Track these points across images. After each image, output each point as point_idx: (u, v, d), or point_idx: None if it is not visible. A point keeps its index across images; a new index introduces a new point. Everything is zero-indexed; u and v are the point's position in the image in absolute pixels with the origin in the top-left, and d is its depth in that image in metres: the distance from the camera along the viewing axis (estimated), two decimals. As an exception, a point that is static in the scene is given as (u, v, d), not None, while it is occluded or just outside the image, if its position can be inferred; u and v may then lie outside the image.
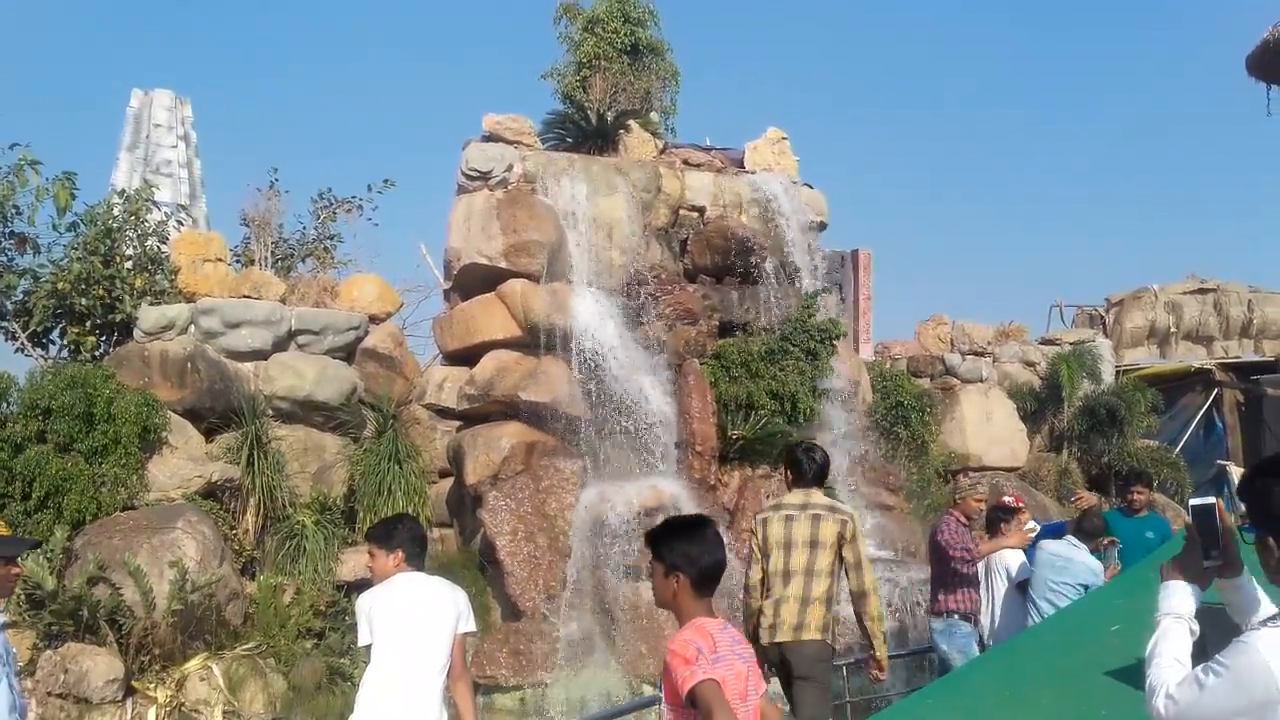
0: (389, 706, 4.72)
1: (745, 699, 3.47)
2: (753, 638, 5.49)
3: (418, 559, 5.02)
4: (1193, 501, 2.97)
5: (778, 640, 5.34)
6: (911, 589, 11.44)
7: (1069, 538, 7.60)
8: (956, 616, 7.70)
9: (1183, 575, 2.78)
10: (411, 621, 4.81)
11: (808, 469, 5.52)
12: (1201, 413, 18.01)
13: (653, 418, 11.68)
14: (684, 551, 3.55)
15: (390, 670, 4.76)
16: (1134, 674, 5.55)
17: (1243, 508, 2.69)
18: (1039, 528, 8.16)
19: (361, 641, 4.91)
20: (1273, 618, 2.54)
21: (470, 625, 4.99)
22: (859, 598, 5.41)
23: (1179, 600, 2.78)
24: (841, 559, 5.40)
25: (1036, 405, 17.47)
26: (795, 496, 5.53)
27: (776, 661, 5.44)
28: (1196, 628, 2.76)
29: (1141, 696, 5.40)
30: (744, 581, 5.89)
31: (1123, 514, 8.67)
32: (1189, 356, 18.99)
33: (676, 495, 11.31)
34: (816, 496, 5.50)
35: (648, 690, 9.97)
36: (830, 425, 13.16)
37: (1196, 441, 17.92)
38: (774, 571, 5.41)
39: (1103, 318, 19.92)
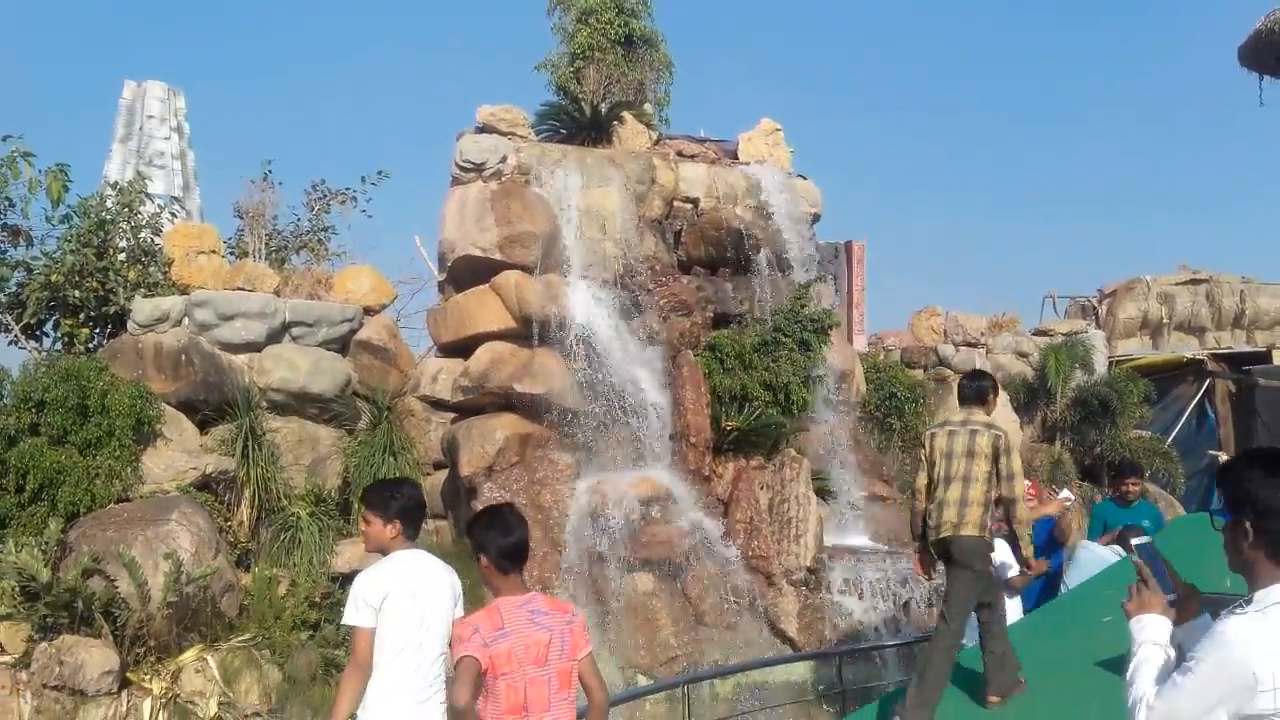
0: (407, 697, 4.50)
1: (544, 665, 3.87)
2: (920, 535, 6.40)
3: (414, 530, 4.78)
4: (1134, 542, 3.14)
5: (941, 536, 6.11)
6: (906, 580, 11.49)
7: (1114, 546, 7.76)
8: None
9: (1149, 611, 2.87)
10: (420, 606, 4.59)
11: (968, 393, 6.38)
12: (1194, 403, 18.06)
13: (647, 409, 11.71)
14: (486, 536, 3.98)
15: (406, 659, 4.55)
16: (1125, 664, 5.61)
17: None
18: (1072, 497, 8.37)
19: (359, 622, 4.57)
20: (1241, 604, 2.60)
21: (461, 610, 4.78)
22: (1008, 503, 6.12)
23: (1153, 630, 2.84)
24: (997, 469, 6.13)
25: (1029, 396, 17.53)
26: (958, 415, 6.36)
27: (942, 554, 6.22)
28: (1173, 653, 2.81)
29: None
30: (912, 486, 6.81)
31: (1116, 505, 8.80)
32: (1181, 347, 19.03)
33: (671, 486, 11.34)
34: (977, 415, 6.25)
35: (643, 681, 10.01)
36: (823, 417, 13.20)
37: (1189, 432, 17.97)
38: (937, 478, 6.19)
39: (1095, 309, 19.95)
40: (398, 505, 4.67)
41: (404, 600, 4.55)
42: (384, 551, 4.72)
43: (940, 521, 6.13)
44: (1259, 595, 2.60)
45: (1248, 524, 2.63)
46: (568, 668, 3.95)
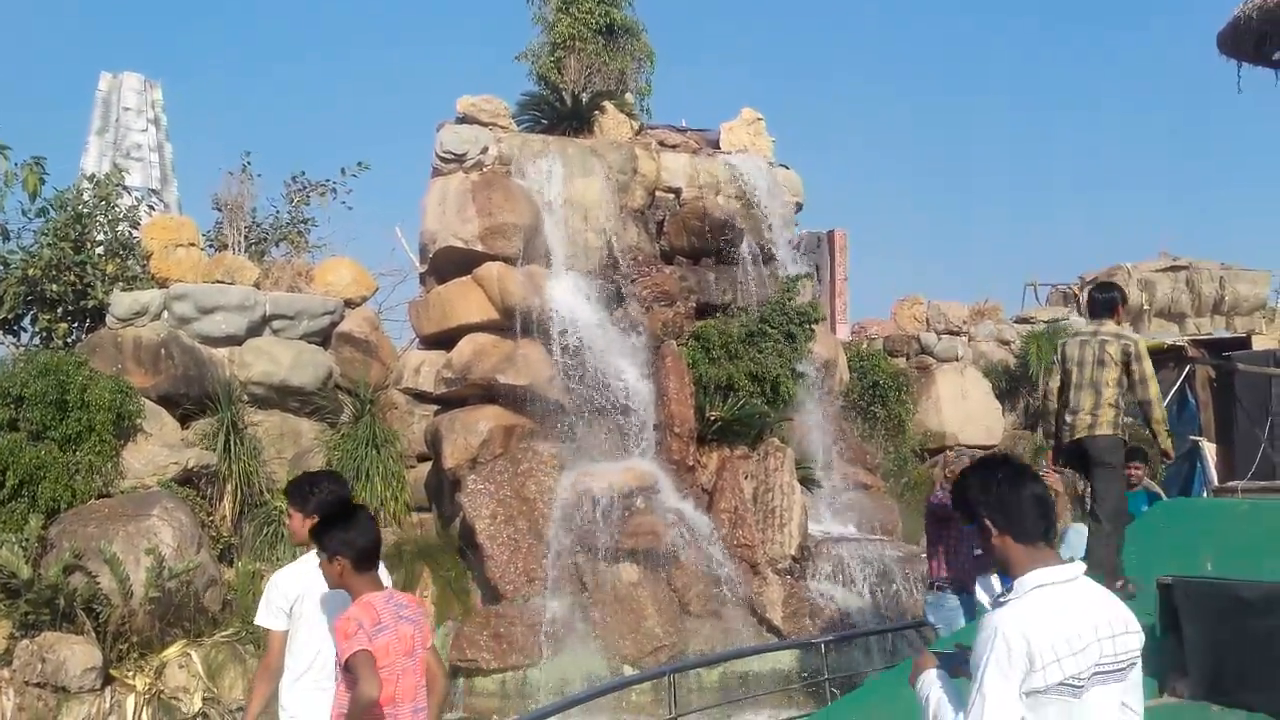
0: (326, 700, 4.32)
1: (411, 654, 4.03)
2: (1054, 436, 6.74)
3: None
4: (937, 651, 3.27)
5: (1076, 437, 6.43)
6: (889, 567, 11.53)
7: None
8: (949, 589, 7.73)
9: (924, 669, 3.03)
10: (324, 614, 4.48)
11: (1098, 304, 6.69)
12: (1174, 389, 18.12)
13: (631, 399, 11.70)
14: (341, 538, 4.04)
15: (324, 662, 4.44)
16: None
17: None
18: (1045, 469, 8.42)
19: (269, 624, 4.56)
20: (1002, 595, 2.86)
21: None
22: (1144, 405, 6.48)
23: (930, 677, 2.98)
24: (1129, 376, 6.44)
25: (1011, 384, 17.59)
26: (1089, 325, 6.68)
27: (1079, 456, 6.54)
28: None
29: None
30: (1043, 390, 7.22)
31: None
32: (1161, 334, 19.14)
33: (655, 476, 11.35)
34: (1107, 325, 6.53)
35: (628, 671, 10.02)
36: (807, 406, 13.23)
37: (1170, 417, 17.99)
38: (1070, 384, 6.50)
39: (1076, 296, 20.04)
40: (316, 500, 4.58)
41: (315, 604, 4.50)
42: (308, 545, 4.54)
43: (1075, 424, 6.48)
44: (1018, 583, 2.81)
45: (988, 522, 2.88)
46: (424, 658, 4.14)
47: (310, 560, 4.54)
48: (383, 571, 4.47)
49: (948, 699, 2.88)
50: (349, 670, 3.89)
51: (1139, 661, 2.85)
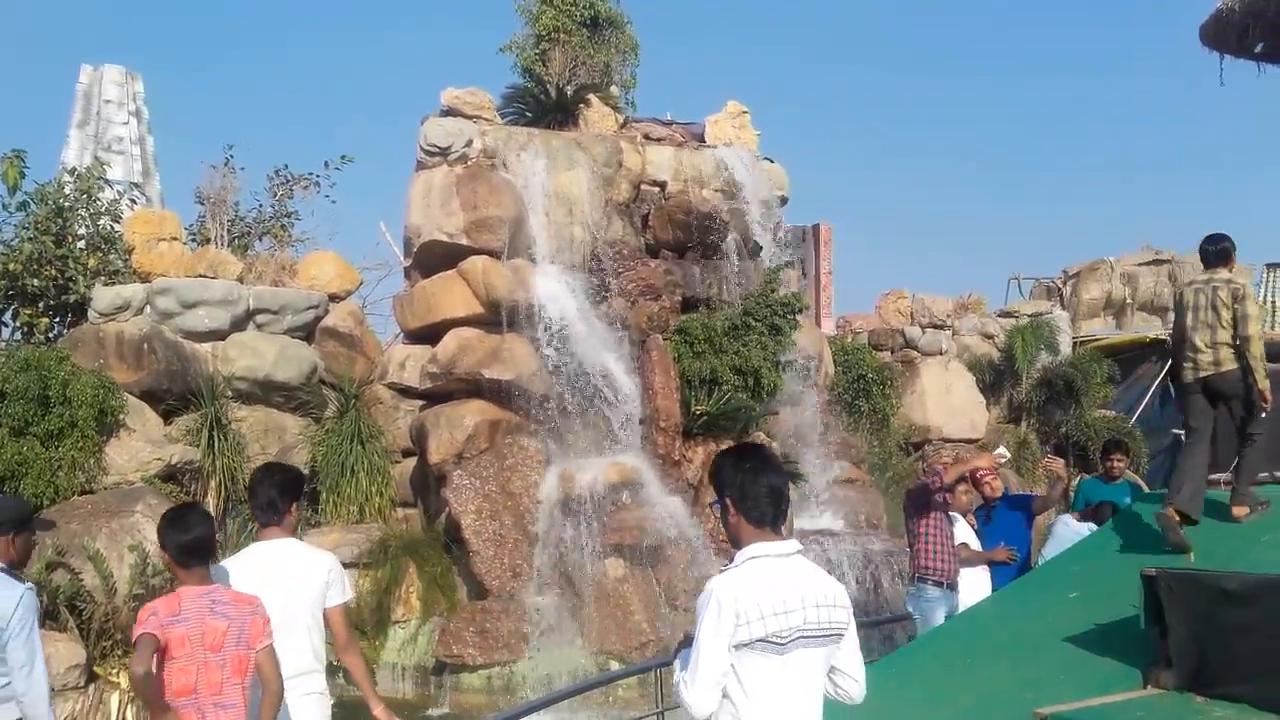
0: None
1: (219, 650, 4.12)
2: (1178, 377, 7.12)
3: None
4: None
5: (1202, 376, 6.88)
6: (874, 560, 11.56)
7: (1090, 524, 7.92)
8: (930, 581, 7.74)
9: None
10: (279, 597, 4.59)
11: (1210, 255, 7.08)
12: (1157, 382, 18.25)
13: (616, 394, 11.69)
14: (166, 535, 4.26)
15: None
16: (1092, 639, 5.65)
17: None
18: (1007, 455, 8.44)
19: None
20: (726, 566, 3.30)
21: (343, 595, 4.82)
22: (1244, 341, 6.80)
23: (680, 653, 3.39)
24: (1234, 314, 6.84)
25: (995, 377, 17.66)
26: (1204, 275, 7.08)
27: (1206, 392, 6.93)
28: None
29: (1101, 661, 5.50)
30: (1172, 335, 7.59)
31: (1101, 481, 9.00)
32: (1144, 328, 19.23)
33: (640, 471, 11.34)
34: (1220, 273, 6.97)
35: (614, 666, 10.02)
36: (792, 399, 13.24)
37: (1152, 411, 18.17)
38: (1189, 327, 6.94)
39: (1060, 290, 20.13)
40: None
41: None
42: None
43: (1198, 364, 6.92)
44: (739, 555, 3.28)
45: (729, 502, 3.30)
46: (244, 655, 4.18)
47: (258, 548, 4.71)
48: (256, 562, 4.63)
49: (683, 659, 3.30)
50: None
51: (848, 632, 3.31)
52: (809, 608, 3.18)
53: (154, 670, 4.07)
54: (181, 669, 4.08)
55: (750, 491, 3.28)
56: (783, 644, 3.14)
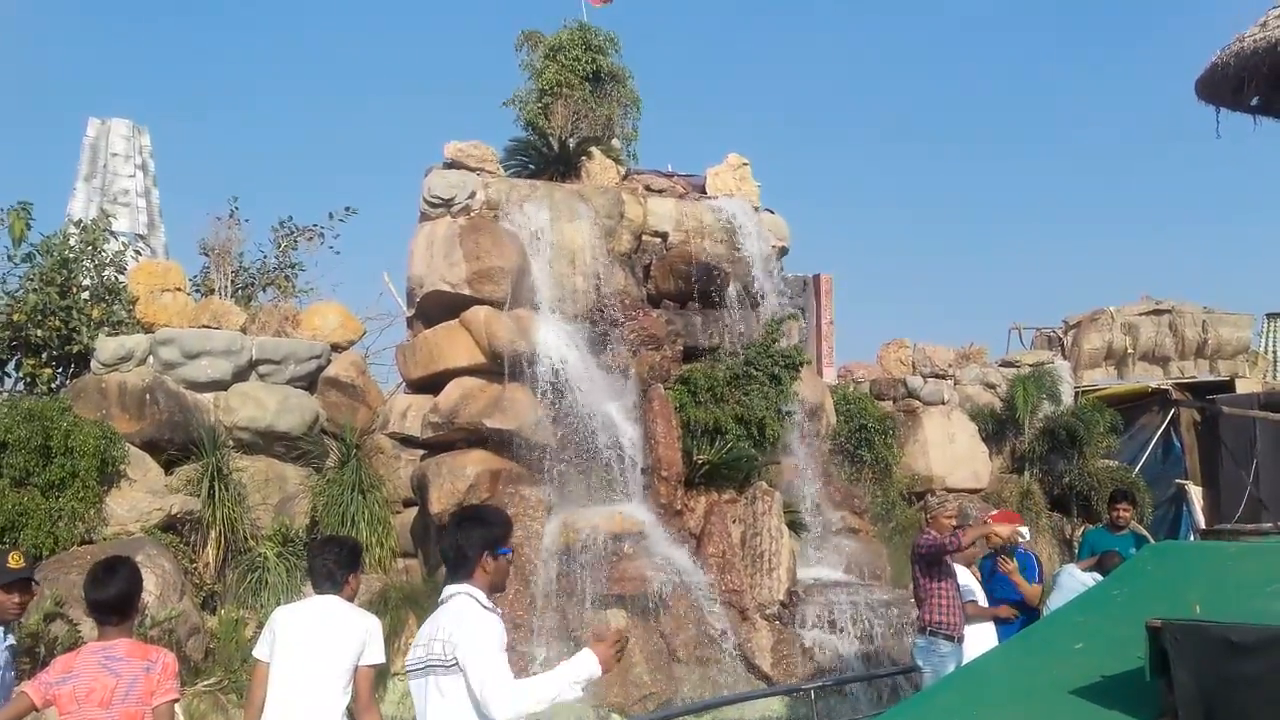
0: None
1: (109, 707, 4.25)
2: None
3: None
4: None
5: None
6: (877, 612, 11.47)
7: (1094, 574, 7.89)
8: (941, 636, 7.70)
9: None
10: (305, 651, 5.00)
11: None
12: (1159, 432, 18.21)
13: (618, 444, 11.67)
14: (85, 588, 4.56)
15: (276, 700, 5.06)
16: (1098, 692, 5.59)
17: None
18: (1027, 535, 8.40)
19: (258, 655, 5.17)
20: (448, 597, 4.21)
21: (374, 657, 5.19)
22: None
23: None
24: None
25: (997, 427, 17.62)
26: None
27: None
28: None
29: (1107, 714, 5.44)
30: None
31: (1107, 531, 9.00)
32: (1146, 377, 19.21)
33: (643, 521, 11.29)
34: None
35: (616, 719, 9.91)
36: (794, 450, 13.22)
37: (1155, 461, 18.11)
38: None
39: (1060, 339, 20.13)
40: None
41: (285, 646, 4.88)
42: None
43: None
44: (446, 589, 4.21)
45: (485, 555, 4.26)
46: (135, 712, 4.25)
47: (310, 602, 4.78)
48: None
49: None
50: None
51: (457, 662, 3.96)
52: (433, 641, 4.05)
53: None
54: None
55: (488, 546, 4.36)
56: (415, 671, 4.10)
